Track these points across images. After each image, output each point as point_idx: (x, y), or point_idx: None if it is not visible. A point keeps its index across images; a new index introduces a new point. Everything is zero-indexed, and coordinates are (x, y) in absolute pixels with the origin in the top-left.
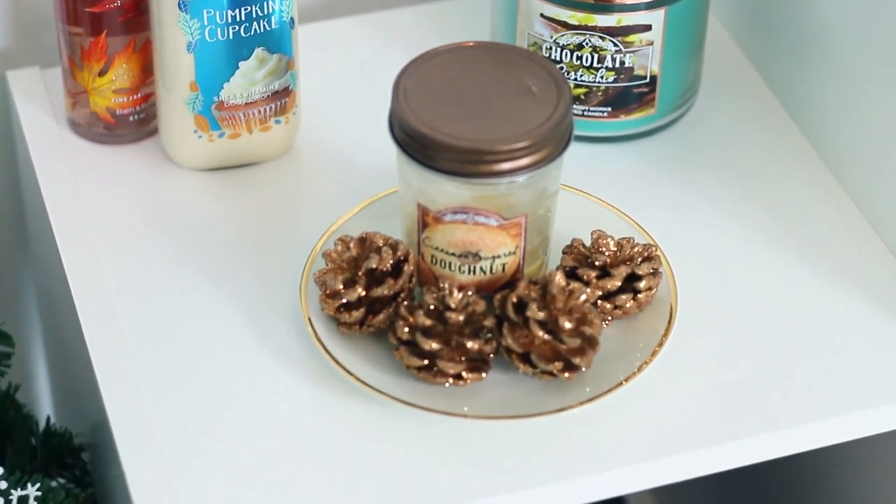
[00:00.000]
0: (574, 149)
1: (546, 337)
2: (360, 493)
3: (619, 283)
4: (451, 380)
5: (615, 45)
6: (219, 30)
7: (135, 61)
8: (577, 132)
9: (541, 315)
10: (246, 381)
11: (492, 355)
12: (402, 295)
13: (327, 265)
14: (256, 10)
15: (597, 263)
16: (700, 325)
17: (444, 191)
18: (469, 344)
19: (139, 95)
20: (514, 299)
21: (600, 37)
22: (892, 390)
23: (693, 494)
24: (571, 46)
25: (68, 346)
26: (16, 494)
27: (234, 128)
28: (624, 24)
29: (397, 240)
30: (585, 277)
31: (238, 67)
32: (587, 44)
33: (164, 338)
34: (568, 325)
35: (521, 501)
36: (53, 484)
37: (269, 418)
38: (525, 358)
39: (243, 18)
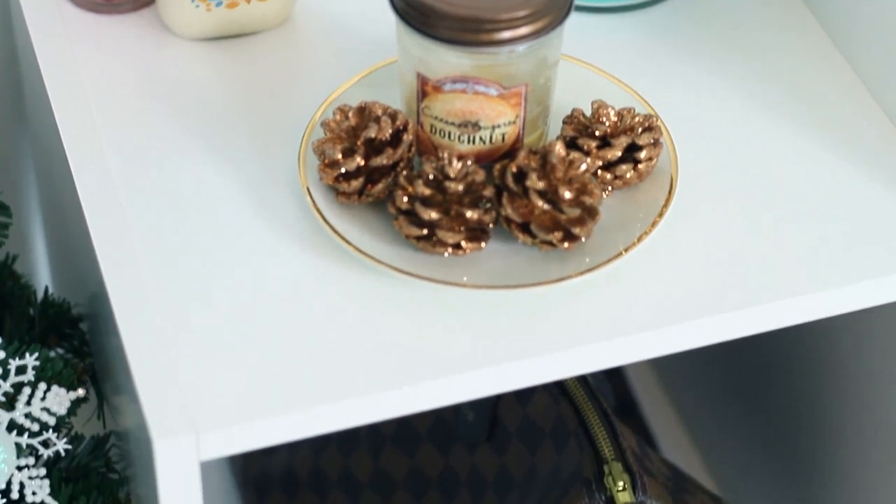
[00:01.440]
0: (576, 19)
1: (546, 207)
2: (359, 361)
3: (620, 154)
4: (449, 249)
5: None
6: None
7: None
8: (578, 2)
9: (540, 185)
10: (244, 250)
11: (491, 225)
12: (401, 164)
13: (326, 135)
14: None
15: (597, 133)
16: (700, 196)
17: (444, 60)
18: (468, 213)
19: None
20: (514, 169)
21: None
22: (893, 262)
23: (692, 366)
24: None
25: (66, 217)
26: (14, 364)
27: None
28: None
29: (396, 109)
30: (585, 147)
31: None
32: None
33: (162, 207)
34: (568, 194)
35: (520, 371)
36: (52, 354)
37: (267, 287)
38: (524, 228)
39: None
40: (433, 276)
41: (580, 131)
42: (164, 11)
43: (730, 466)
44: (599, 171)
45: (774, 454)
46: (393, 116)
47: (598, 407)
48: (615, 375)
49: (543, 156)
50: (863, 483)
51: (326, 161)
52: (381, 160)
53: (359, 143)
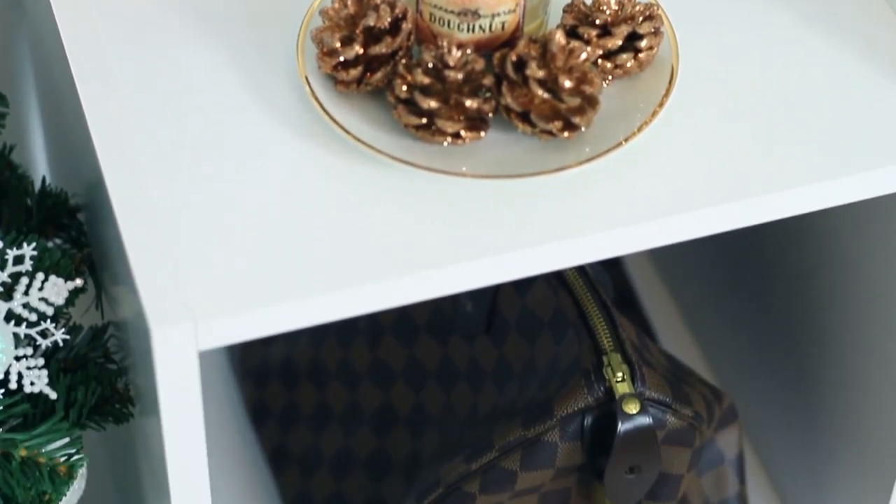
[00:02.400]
0: None
1: (545, 96)
2: (357, 251)
3: (620, 42)
4: (449, 138)
5: None
6: None
7: None
8: None
9: (540, 74)
10: (242, 140)
11: (490, 114)
12: (401, 53)
13: (324, 23)
14: None
15: (597, 22)
16: (701, 86)
17: None
18: (467, 102)
19: None
20: (514, 58)
21: None
22: (894, 152)
23: (692, 259)
24: None
25: (63, 106)
26: (11, 254)
27: None
28: None
29: None
30: (586, 36)
31: None
32: None
33: (160, 96)
34: (568, 83)
35: (518, 261)
36: (49, 244)
37: (266, 177)
38: (524, 117)
39: None
40: (432, 165)
41: (580, 20)
42: None
43: (728, 359)
44: (599, 61)
45: (773, 347)
46: (392, 5)
47: (597, 298)
48: (614, 268)
49: (543, 44)
50: (861, 378)
51: (325, 50)
52: (380, 49)
53: (357, 31)
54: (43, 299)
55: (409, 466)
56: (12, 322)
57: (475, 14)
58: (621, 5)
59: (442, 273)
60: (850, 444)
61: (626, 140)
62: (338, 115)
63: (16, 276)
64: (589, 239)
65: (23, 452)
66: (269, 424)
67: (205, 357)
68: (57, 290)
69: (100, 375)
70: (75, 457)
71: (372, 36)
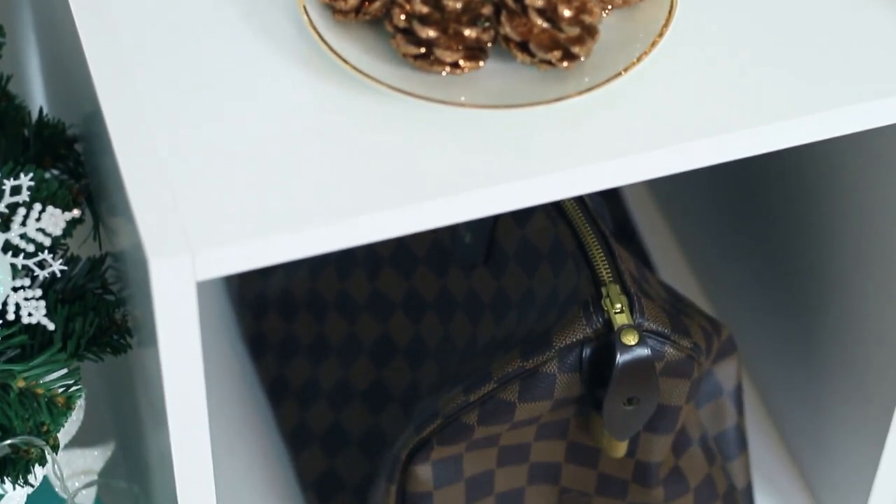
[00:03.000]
0: None
1: (545, 25)
2: (355, 181)
3: None
4: (447, 68)
5: None
6: None
7: None
8: None
9: (539, 3)
10: (239, 70)
11: (489, 44)
12: None
13: None
14: None
15: None
16: (701, 16)
17: None
18: (466, 32)
19: None
20: None
21: None
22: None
23: (692, 191)
24: None
25: (60, 36)
26: (8, 184)
27: None
28: None
29: None
30: None
31: None
32: None
33: (156, 26)
34: (567, 13)
35: (517, 191)
36: (47, 175)
37: (264, 107)
38: (523, 47)
39: None
40: (431, 95)
41: None
42: None
43: (727, 290)
44: None
45: (772, 278)
46: None
47: (596, 229)
48: (613, 199)
49: None
50: (859, 309)
51: None
52: None
53: None
54: (40, 230)
55: (408, 398)
56: (10, 253)
57: None
58: None
59: (440, 204)
60: (848, 375)
61: (625, 70)
62: (336, 45)
63: (13, 207)
64: (587, 169)
65: (21, 383)
66: (267, 356)
67: (203, 289)
68: (54, 220)
69: (97, 306)
70: (73, 388)
71: None
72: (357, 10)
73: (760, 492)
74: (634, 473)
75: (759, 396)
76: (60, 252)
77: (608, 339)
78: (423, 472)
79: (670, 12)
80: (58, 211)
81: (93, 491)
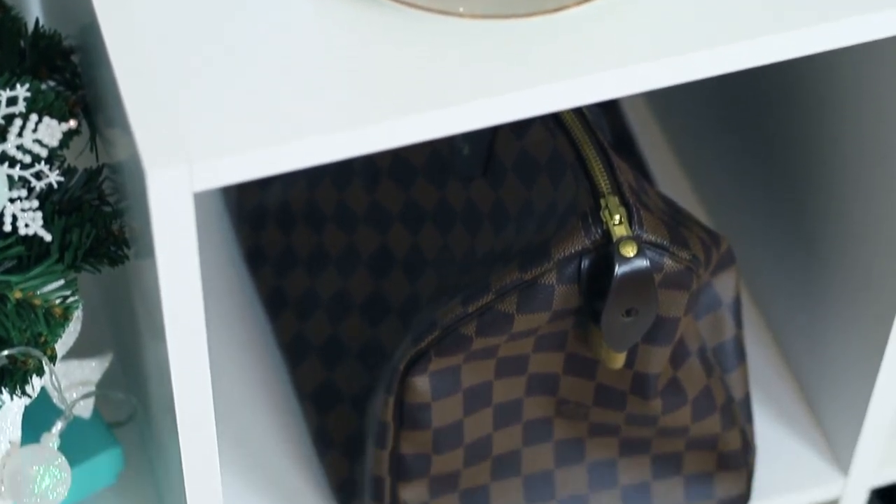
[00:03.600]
0: None
1: None
2: (353, 92)
3: None
4: None
5: None
6: None
7: None
8: None
9: None
10: None
11: None
12: None
13: None
14: None
15: None
16: None
17: None
18: None
19: None
20: None
21: None
22: None
23: (691, 103)
24: None
25: None
26: (4, 96)
27: None
28: None
29: None
30: None
31: None
32: None
33: None
34: None
35: (515, 102)
36: (43, 86)
37: (262, 18)
38: None
39: None
40: (429, 5)
41: None
42: None
43: (726, 203)
44: None
45: (771, 190)
46: None
47: (594, 140)
48: (612, 112)
49: None
50: (858, 220)
51: None
52: None
53: None
54: (37, 141)
55: (406, 310)
56: (6, 164)
57: None
58: None
59: (439, 115)
60: (846, 287)
61: None
62: None
63: (9, 118)
64: (587, 80)
65: (18, 294)
66: (265, 268)
67: (200, 201)
68: (51, 131)
69: (95, 218)
70: (71, 299)
71: None
72: None
73: (758, 403)
74: (632, 385)
75: (757, 309)
76: (57, 163)
77: (607, 251)
78: (421, 383)
79: None
80: (54, 122)
81: (90, 402)
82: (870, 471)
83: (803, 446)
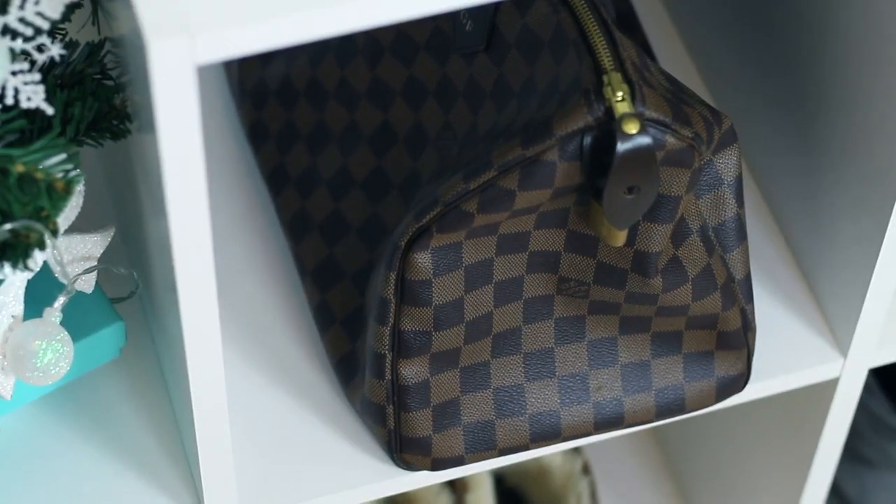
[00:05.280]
0: None
1: None
2: None
3: None
4: None
5: None
6: None
7: None
8: None
9: None
10: None
11: None
12: None
13: None
14: None
15: None
16: None
17: None
18: None
19: None
20: None
21: None
22: None
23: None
24: None
25: None
26: None
27: None
28: None
29: None
30: None
31: None
32: None
33: None
34: None
35: None
36: None
37: None
38: None
39: None
40: None
41: None
42: None
43: (728, 82)
44: None
45: (773, 69)
46: None
47: (597, 17)
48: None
49: None
50: (861, 100)
51: None
52: None
53: None
54: (39, 14)
55: (408, 186)
56: (8, 36)
57: None
58: None
59: None
60: (848, 167)
61: None
62: None
63: None
64: None
65: (20, 168)
66: (267, 145)
67: (203, 77)
68: (53, 4)
69: (97, 91)
70: (73, 173)
71: None
72: None
73: (758, 283)
74: (633, 263)
75: (758, 188)
76: (59, 37)
77: (609, 128)
78: (423, 259)
79: None
80: None
81: (93, 276)
82: (869, 351)
83: (803, 326)
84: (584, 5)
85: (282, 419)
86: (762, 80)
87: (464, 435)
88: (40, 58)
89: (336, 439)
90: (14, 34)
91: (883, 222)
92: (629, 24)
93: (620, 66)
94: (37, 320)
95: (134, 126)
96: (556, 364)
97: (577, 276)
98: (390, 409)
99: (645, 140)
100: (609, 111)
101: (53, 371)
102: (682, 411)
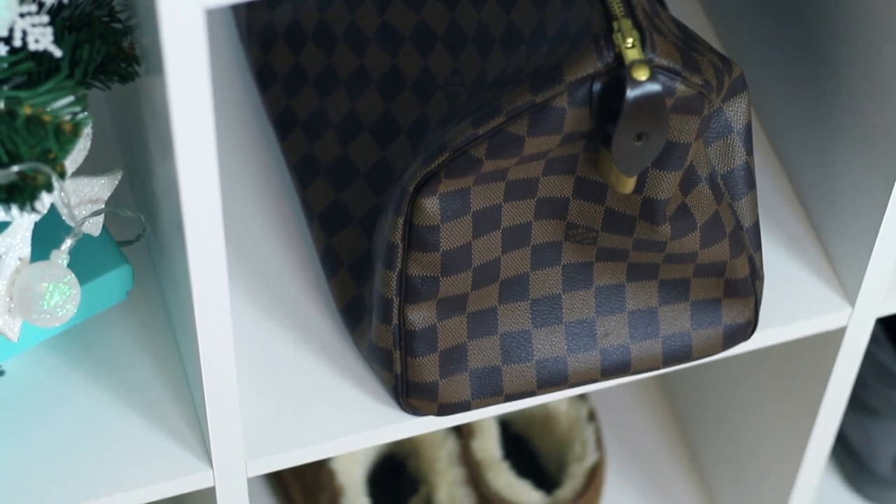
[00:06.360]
0: None
1: None
2: None
3: None
4: None
5: None
6: None
7: None
8: None
9: None
10: None
11: None
12: None
13: None
14: None
15: None
16: None
17: None
18: None
19: None
20: None
21: None
22: None
23: None
24: None
25: None
26: None
27: None
28: None
29: None
30: None
31: None
32: None
33: None
34: None
35: None
36: None
37: None
38: None
39: None
40: None
41: None
42: None
43: (738, 30)
44: None
45: (784, 18)
46: None
47: None
48: None
49: None
50: (872, 50)
51: None
52: None
53: None
54: None
55: (416, 131)
56: None
57: None
58: None
59: None
60: (857, 117)
61: None
62: None
63: None
64: None
65: (27, 110)
66: (274, 88)
67: (211, 20)
68: None
69: (105, 34)
70: (80, 115)
71: None
72: None
73: (766, 232)
74: (642, 210)
75: (767, 137)
76: None
77: (619, 75)
78: (431, 204)
79: None
80: None
81: (100, 219)
82: (876, 301)
83: (811, 275)
84: None
85: (288, 363)
86: (772, 29)
87: (470, 380)
88: (48, 0)
89: (342, 384)
90: None
91: (892, 172)
92: None
93: (631, 12)
94: (44, 262)
95: (142, 69)
96: (564, 310)
97: (585, 222)
98: (397, 355)
99: (655, 87)
100: (619, 58)
101: (60, 313)
102: (689, 359)
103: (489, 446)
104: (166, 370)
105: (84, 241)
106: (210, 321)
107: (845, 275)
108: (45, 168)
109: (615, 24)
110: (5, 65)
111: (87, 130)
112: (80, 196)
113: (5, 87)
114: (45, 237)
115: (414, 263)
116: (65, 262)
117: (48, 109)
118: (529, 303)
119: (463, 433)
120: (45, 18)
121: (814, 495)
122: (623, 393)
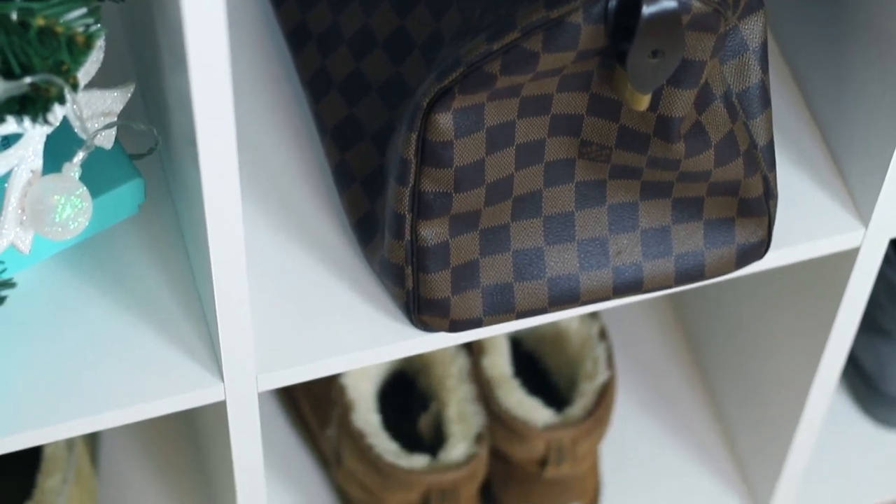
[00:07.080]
0: None
1: None
2: None
3: None
4: None
5: None
6: None
7: None
8: None
9: None
10: None
11: None
12: None
13: None
14: None
15: None
16: None
17: None
18: None
19: None
20: None
21: None
22: None
23: None
24: None
25: None
26: None
27: None
28: None
29: None
30: None
31: None
32: None
33: None
34: None
35: None
36: None
37: None
38: None
39: None
40: None
41: None
42: None
43: None
44: None
45: None
46: None
47: None
48: None
49: None
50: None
51: None
52: None
53: None
54: None
55: (430, 47)
56: None
57: None
58: None
59: None
60: (873, 35)
61: None
62: None
63: None
64: None
65: (40, 21)
66: (288, 2)
67: None
68: None
69: None
70: (93, 27)
71: None
72: None
73: (781, 151)
74: (656, 128)
75: (782, 57)
76: None
77: None
78: (444, 120)
79: None
80: None
81: (112, 132)
82: (890, 221)
83: (825, 195)
84: None
85: (299, 278)
86: None
87: (482, 297)
88: None
89: (353, 299)
90: None
91: None
92: None
93: None
94: (56, 175)
95: None
96: (576, 228)
97: (598, 139)
98: (409, 270)
99: (671, 4)
100: None
101: (72, 226)
102: (702, 278)
103: (500, 364)
104: (178, 284)
105: (96, 153)
106: (222, 235)
107: (859, 195)
108: (58, 80)
109: None
110: None
111: (100, 42)
112: (93, 108)
113: None
114: (58, 150)
115: (427, 179)
116: (77, 175)
117: (61, 21)
118: (542, 220)
119: (474, 350)
120: None
121: (824, 416)
122: (634, 312)
